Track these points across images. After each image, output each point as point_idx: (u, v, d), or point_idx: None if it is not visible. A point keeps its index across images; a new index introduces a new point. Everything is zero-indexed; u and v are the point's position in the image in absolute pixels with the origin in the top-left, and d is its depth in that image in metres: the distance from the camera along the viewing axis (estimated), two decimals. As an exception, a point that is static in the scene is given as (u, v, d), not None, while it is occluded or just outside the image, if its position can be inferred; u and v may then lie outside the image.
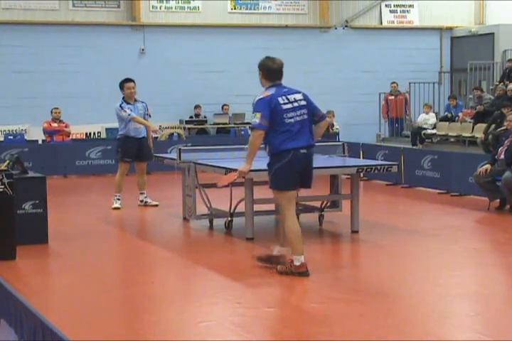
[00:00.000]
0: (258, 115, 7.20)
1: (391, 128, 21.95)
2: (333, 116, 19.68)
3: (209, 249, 9.00)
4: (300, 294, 6.71)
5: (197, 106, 21.46)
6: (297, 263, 7.24)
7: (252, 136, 7.34)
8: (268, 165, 7.44)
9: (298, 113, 7.33)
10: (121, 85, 11.82)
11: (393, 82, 21.60)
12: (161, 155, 11.57)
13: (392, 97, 21.56)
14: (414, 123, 20.51)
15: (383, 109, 21.85)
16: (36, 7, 20.45)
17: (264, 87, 7.64)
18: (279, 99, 7.34)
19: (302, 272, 7.22)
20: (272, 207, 10.67)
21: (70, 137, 17.92)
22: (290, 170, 7.26)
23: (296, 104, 7.36)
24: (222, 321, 6.01)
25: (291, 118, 7.29)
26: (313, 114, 7.45)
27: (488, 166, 11.21)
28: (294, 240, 7.25)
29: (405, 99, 21.64)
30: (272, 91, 7.43)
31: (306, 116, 7.37)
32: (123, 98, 11.80)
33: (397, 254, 8.57)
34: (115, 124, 20.15)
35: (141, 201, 12.10)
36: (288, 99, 7.37)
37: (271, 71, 7.63)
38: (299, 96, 7.44)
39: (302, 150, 7.29)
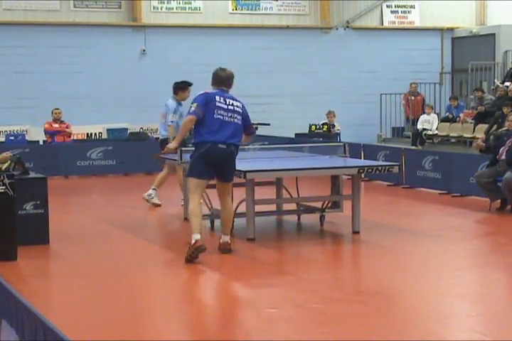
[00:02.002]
0: (195, 105, 8.15)
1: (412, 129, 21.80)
2: (334, 116, 19.68)
3: (210, 250, 8.97)
4: (301, 294, 6.71)
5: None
6: (193, 241, 7.87)
7: (185, 118, 8.36)
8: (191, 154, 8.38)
9: (229, 114, 8.16)
10: (183, 87, 11.96)
11: (413, 83, 21.58)
12: (162, 155, 11.55)
13: (413, 98, 21.55)
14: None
15: (406, 109, 21.82)
16: (37, 8, 20.45)
17: None
18: (217, 97, 8.21)
19: (197, 247, 7.84)
20: (273, 207, 10.68)
21: (71, 138, 17.91)
22: (203, 161, 8.07)
23: (230, 107, 8.20)
24: (223, 321, 6.01)
25: (220, 115, 8.12)
26: (245, 126, 8.33)
27: (481, 143, 11.83)
28: (192, 220, 8.06)
29: (423, 100, 21.63)
30: (214, 91, 8.36)
31: (237, 120, 8.20)
32: (174, 98, 11.81)
33: (398, 255, 8.58)
34: (116, 125, 20.39)
35: (149, 195, 12.00)
36: (225, 101, 8.21)
37: (219, 78, 8.46)
38: (236, 104, 8.28)
39: (220, 145, 8.05)
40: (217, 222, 10.23)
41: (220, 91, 8.32)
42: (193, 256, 7.84)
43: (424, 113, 20.41)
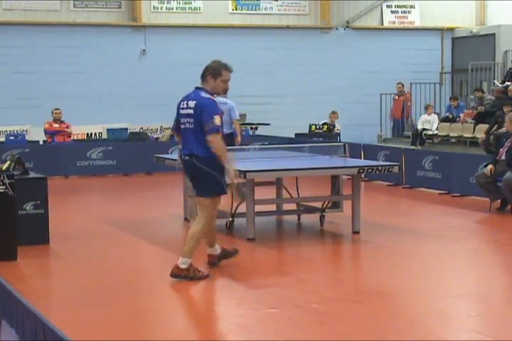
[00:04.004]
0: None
1: (395, 128, 21.97)
2: (337, 117, 19.69)
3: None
4: (301, 294, 6.71)
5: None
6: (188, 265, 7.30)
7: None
8: None
9: (185, 120, 7.27)
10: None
11: (399, 83, 21.62)
12: (162, 155, 11.57)
13: (397, 97, 21.64)
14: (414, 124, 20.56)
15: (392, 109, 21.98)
16: (37, 8, 20.46)
17: None
18: (181, 103, 7.37)
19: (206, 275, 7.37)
20: (273, 207, 10.68)
21: (71, 138, 17.92)
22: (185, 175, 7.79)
23: (185, 111, 7.26)
24: (223, 322, 6.01)
25: (182, 123, 7.31)
26: (201, 126, 7.13)
27: (491, 166, 11.21)
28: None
29: (405, 100, 21.69)
30: (185, 95, 7.48)
31: (189, 126, 7.21)
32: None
33: (398, 255, 8.57)
34: (116, 125, 20.39)
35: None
36: (187, 104, 7.28)
37: None
38: (191, 104, 7.22)
39: (185, 157, 7.31)
40: (217, 222, 10.23)
41: (190, 93, 7.38)
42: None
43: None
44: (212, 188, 7.25)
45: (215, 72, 7.38)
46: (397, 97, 21.61)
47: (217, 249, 7.76)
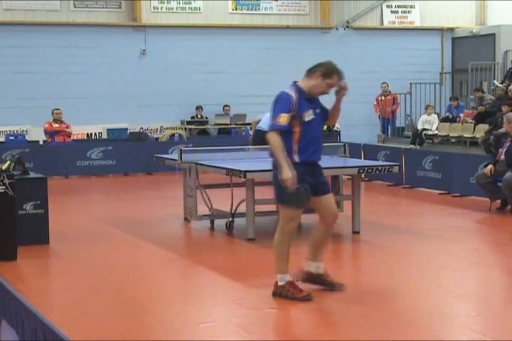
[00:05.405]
0: None
1: (391, 128, 22.02)
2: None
3: (210, 250, 9.00)
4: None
5: (198, 108, 21.47)
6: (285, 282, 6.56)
7: None
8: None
9: None
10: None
11: (384, 83, 21.78)
12: (162, 155, 11.57)
13: (383, 98, 21.75)
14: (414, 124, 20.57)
15: (375, 109, 22.19)
16: (37, 8, 20.46)
17: None
18: None
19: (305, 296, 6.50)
20: (272, 207, 10.67)
21: (71, 138, 17.93)
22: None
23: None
24: (223, 322, 6.01)
25: None
26: None
27: (491, 166, 11.21)
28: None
29: (393, 99, 21.81)
30: None
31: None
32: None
33: (398, 255, 8.57)
34: (116, 125, 20.40)
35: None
36: None
37: None
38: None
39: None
40: (217, 222, 10.25)
41: None
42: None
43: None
44: (279, 195, 6.50)
45: (328, 72, 6.70)
46: (383, 97, 21.69)
47: (320, 268, 6.77)
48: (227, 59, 21.59)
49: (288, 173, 6.26)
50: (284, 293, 6.46)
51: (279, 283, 6.51)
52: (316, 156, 6.61)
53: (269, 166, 9.61)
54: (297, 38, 22.48)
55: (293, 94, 6.52)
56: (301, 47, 22.31)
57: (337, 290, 6.71)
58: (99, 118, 20.29)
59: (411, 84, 21.80)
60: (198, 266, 8.03)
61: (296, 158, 6.43)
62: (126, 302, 6.62)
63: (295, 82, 6.70)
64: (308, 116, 6.50)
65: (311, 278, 6.73)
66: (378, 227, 10.11)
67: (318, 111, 6.66)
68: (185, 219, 10.59)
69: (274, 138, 6.37)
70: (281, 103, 6.50)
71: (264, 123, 12.25)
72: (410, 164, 14.19)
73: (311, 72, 6.70)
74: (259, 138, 12.33)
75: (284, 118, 6.38)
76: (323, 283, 6.74)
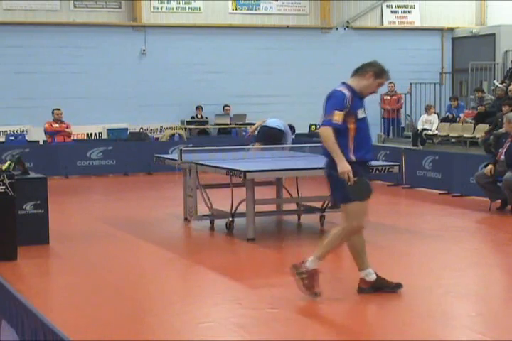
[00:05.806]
0: None
1: (393, 128, 22.03)
2: None
3: (210, 250, 9.00)
4: (301, 295, 6.70)
5: (198, 108, 21.47)
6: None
7: None
8: None
9: None
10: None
11: (390, 82, 21.69)
12: (162, 155, 11.57)
13: (388, 97, 21.70)
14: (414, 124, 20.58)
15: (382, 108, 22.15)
16: (37, 8, 20.46)
17: None
18: None
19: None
20: (273, 207, 10.68)
21: (71, 138, 17.93)
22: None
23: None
24: (223, 322, 6.00)
25: None
26: None
27: (491, 166, 11.21)
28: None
29: (398, 99, 21.78)
30: None
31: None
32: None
33: (398, 255, 8.57)
34: (116, 125, 20.39)
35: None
36: None
37: None
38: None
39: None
40: (217, 222, 10.24)
41: None
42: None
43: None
44: (343, 194, 6.45)
45: (380, 72, 6.54)
46: (388, 97, 21.66)
47: (371, 274, 6.74)
48: (227, 59, 21.59)
49: (346, 165, 6.23)
50: (300, 275, 6.47)
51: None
52: (369, 156, 6.59)
53: (269, 166, 9.66)
54: (297, 38, 22.47)
55: (346, 92, 6.42)
56: (301, 47, 22.31)
57: (394, 288, 6.71)
58: (99, 118, 20.29)
59: (411, 84, 21.79)
60: (198, 266, 8.03)
61: (352, 157, 6.37)
62: (126, 302, 6.62)
63: (343, 82, 6.57)
64: (362, 113, 6.47)
65: (377, 284, 6.70)
66: (378, 227, 10.11)
67: (366, 111, 6.63)
68: (185, 219, 10.59)
69: (327, 133, 6.28)
70: (334, 99, 6.39)
71: (271, 122, 12.45)
72: (410, 164, 14.19)
73: (362, 72, 6.55)
74: (262, 134, 12.57)
75: (338, 116, 6.29)
76: (388, 284, 6.73)
